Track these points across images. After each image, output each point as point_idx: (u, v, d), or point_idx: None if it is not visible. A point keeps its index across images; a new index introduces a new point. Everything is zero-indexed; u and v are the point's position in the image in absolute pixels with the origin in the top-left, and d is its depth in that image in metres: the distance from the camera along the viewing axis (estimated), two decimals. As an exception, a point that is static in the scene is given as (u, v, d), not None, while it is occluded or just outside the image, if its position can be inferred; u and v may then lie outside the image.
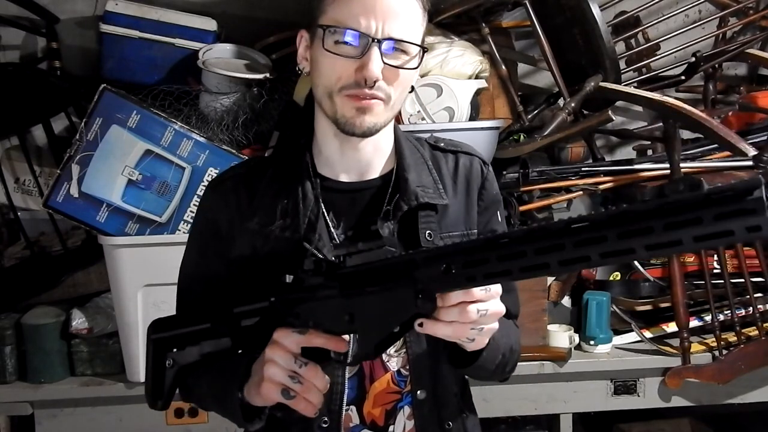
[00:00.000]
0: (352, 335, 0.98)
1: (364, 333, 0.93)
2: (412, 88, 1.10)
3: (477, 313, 0.89)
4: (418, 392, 1.11)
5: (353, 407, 1.11)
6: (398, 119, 1.90)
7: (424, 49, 1.06)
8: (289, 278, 0.98)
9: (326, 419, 1.08)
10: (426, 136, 1.21)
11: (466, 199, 1.15)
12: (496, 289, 0.90)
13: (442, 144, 1.19)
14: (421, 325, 0.89)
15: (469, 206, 1.15)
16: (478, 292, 0.88)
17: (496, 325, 0.93)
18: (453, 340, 0.93)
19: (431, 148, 1.18)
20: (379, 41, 1.00)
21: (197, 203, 1.96)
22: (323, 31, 1.02)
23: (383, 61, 1.01)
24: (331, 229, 1.09)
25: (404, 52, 1.03)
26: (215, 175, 1.94)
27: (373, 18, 1.00)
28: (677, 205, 0.68)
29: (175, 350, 1.06)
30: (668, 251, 0.70)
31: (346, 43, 1.01)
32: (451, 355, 1.05)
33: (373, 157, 1.12)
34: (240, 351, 1.05)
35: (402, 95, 1.07)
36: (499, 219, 1.19)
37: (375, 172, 1.13)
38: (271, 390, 0.95)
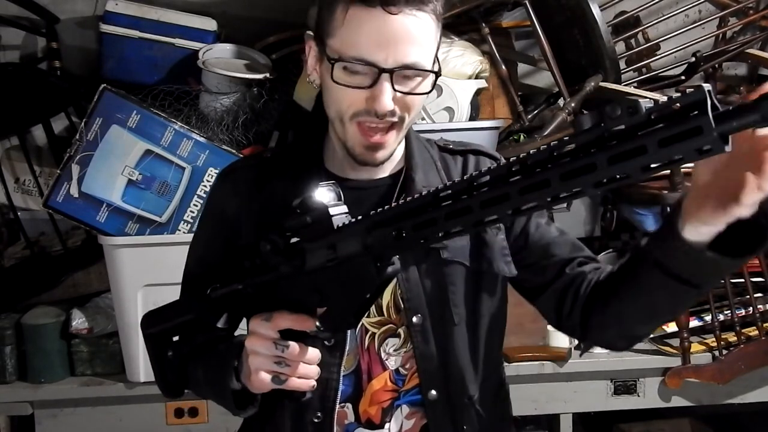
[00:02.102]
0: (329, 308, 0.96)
1: (337, 306, 0.92)
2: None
3: None
4: (430, 392, 1.09)
5: (349, 404, 1.10)
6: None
7: (437, 74, 1.02)
8: (246, 263, 0.97)
9: (319, 414, 1.07)
10: (436, 138, 1.20)
11: None
12: None
13: (451, 146, 1.18)
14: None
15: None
16: None
17: None
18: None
19: (440, 150, 1.17)
20: (391, 71, 0.97)
21: (198, 203, 1.96)
22: (331, 64, 0.98)
23: (395, 89, 0.98)
24: None
25: (417, 75, 1.00)
26: (215, 175, 1.94)
27: (384, 48, 0.96)
28: (617, 135, 0.63)
29: (174, 340, 1.06)
30: (616, 185, 0.66)
31: (355, 72, 0.98)
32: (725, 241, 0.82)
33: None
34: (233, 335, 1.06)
35: (416, 114, 1.05)
36: None
37: (385, 171, 1.12)
38: (262, 381, 0.95)
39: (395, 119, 1.01)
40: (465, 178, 0.76)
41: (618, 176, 0.64)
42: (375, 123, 1.00)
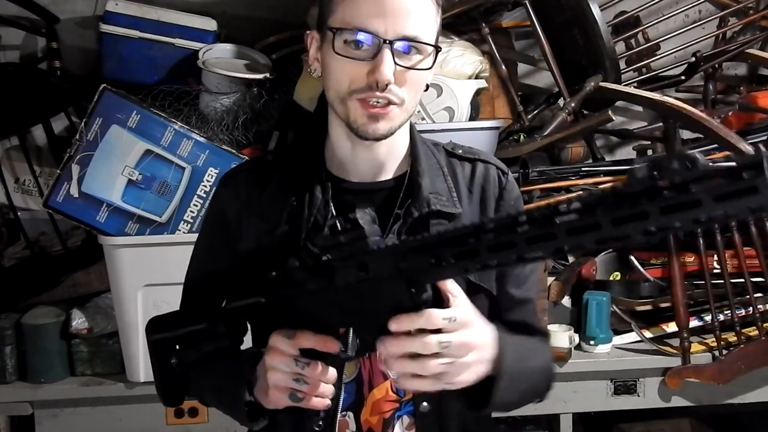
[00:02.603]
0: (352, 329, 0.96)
1: (361, 327, 0.92)
2: (427, 86, 1.07)
3: (438, 344, 0.86)
4: (422, 404, 1.09)
5: (351, 413, 1.10)
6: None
7: (438, 48, 1.03)
8: (272, 275, 0.97)
9: (321, 423, 1.07)
10: (445, 142, 1.19)
11: (481, 209, 1.12)
12: (463, 318, 0.88)
13: (460, 151, 1.16)
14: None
15: (484, 216, 1.12)
16: (440, 320, 0.86)
17: (470, 358, 0.90)
18: (424, 389, 0.90)
19: (447, 155, 1.16)
20: (391, 42, 0.97)
21: (198, 203, 1.96)
22: (333, 34, 0.99)
23: (395, 62, 0.98)
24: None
25: (417, 51, 1.01)
26: (216, 175, 1.95)
27: (383, 18, 0.97)
28: (673, 186, 0.65)
29: (178, 348, 1.06)
30: (666, 233, 0.67)
31: (356, 44, 0.99)
32: (466, 398, 0.99)
33: (387, 159, 1.10)
34: (240, 346, 1.06)
35: (416, 96, 1.04)
36: None
37: (388, 174, 1.11)
38: (279, 397, 0.96)
39: (395, 98, 1.00)
40: (510, 213, 0.76)
41: (669, 226, 0.66)
42: (376, 98, 0.99)
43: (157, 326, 1.09)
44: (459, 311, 0.89)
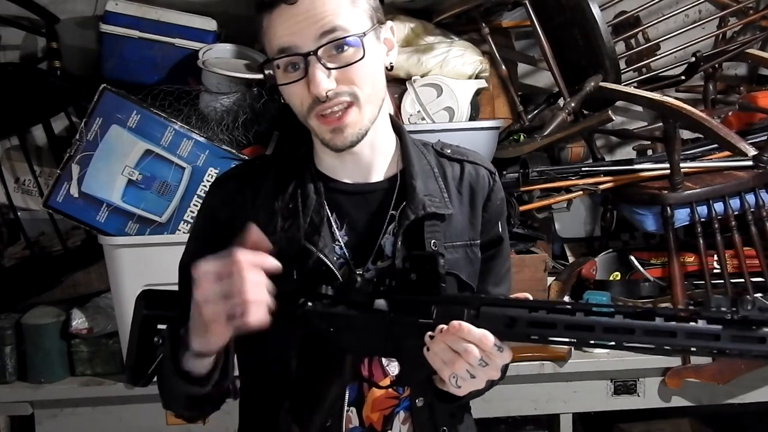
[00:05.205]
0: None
1: (410, 361, 0.95)
2: (391, 66, 1.07)
3: (476, 359, 0.88)
4: (418, 400, 1.10)
5: (354, 408, 1.11)
6: (401, 119, 1.91)
7: (362, 35, 1.00)
8: (326, 289, 0.96)
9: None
10: (433, 141, 1.19)
11: (470, 210, 1.14)
12: (507, 353, 0.90)
13: (449, 151, 1.17)
14: (431, 337, 0.90)
15: (473, 217, 1.14)
16: (491, 345, 0.87)
17: (481, 384, 0.93)
18: (441, 372, 0.92)
19: (437, 155, 1.17)
20: (314, 52, 0.97)
21: (198, 203, 1.96)
22: (265, 67, 1.02)
23: (328, 67, 0.98)
24: (334, 229, 1.09)
25: (348, 45, 0.99)
26: (215, 175, 1.94)
27: (296, 33, 0.98)
28: (745, 321, 0.77)
29: (165, 327, 1.04)
30: (725, 357, 0.80)
31: (293, 66, 1.00)
32: (437, 390, 1.03)
33: (373, 159, 1.11)
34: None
35: (374, 84, 1.03)
36: (500, 229, 1.18)
37: (379, 175, 1.12)
38: (219, 329, 0.91)
39: (347, 98, 1.00)
40: (586, 302, 0.84)
41: (732, 351, 0.78)
42: (329, 108, 1.00)
43: (152, 301, 1.08)
44: (506, 346, 0.91)
